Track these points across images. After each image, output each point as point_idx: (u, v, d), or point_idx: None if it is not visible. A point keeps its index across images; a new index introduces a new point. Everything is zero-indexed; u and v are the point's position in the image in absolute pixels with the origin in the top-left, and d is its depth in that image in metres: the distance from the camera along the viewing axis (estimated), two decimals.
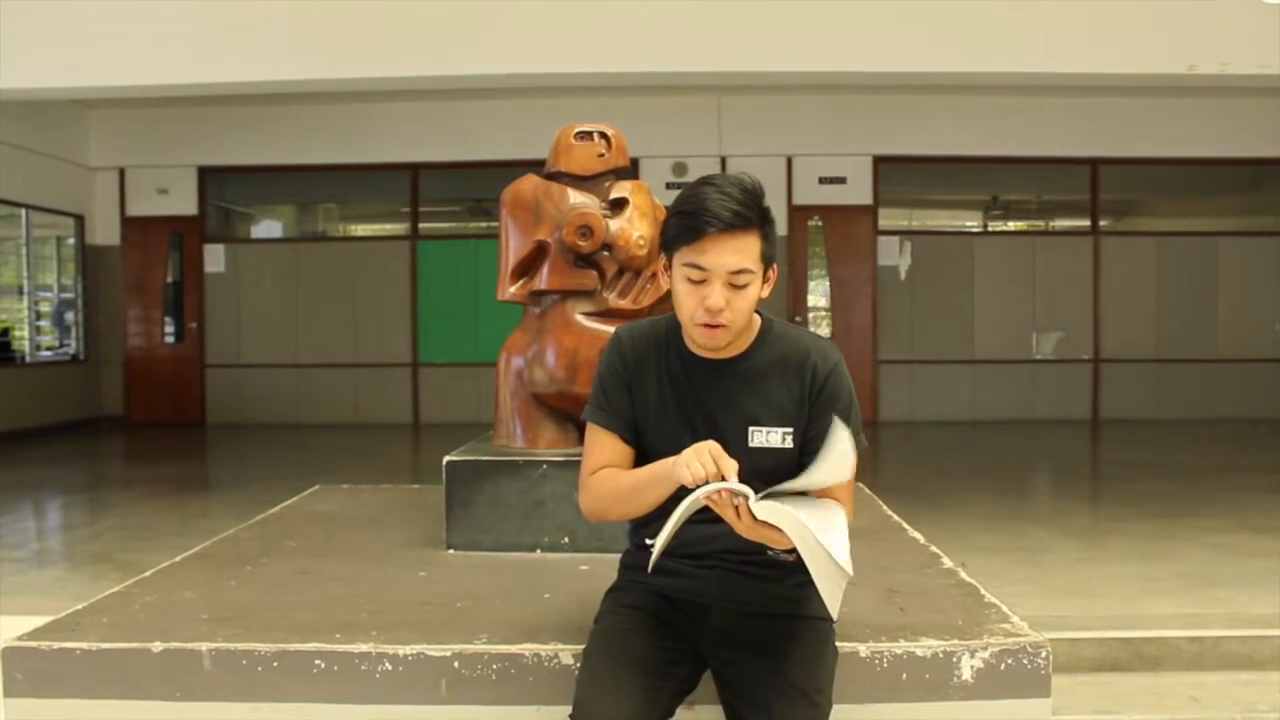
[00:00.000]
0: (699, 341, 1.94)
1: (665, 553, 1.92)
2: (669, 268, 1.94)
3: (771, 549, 1.84)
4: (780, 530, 1.74)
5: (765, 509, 1.73)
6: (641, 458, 2.01)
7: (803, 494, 1.83)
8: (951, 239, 11.80)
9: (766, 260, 1.91)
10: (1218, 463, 8.32)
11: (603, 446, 2.02)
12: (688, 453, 1.78)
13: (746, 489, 1.73)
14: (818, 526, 1.71)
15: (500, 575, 2.81)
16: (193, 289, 11.58)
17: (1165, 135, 10.80)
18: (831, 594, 1.75)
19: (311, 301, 11.49)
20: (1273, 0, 6.28)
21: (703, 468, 1.74)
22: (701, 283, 1.87)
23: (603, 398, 2.03)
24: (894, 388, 11.23)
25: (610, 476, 1.98)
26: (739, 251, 1.86)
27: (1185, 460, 8.47)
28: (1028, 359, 11.28)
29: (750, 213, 1.86)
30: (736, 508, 1.75)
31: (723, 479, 1.74)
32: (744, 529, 1.77)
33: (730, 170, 2.03)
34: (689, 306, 1.90)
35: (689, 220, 1.86)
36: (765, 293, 1.94)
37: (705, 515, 1.80)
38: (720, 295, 1.86)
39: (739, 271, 1.86)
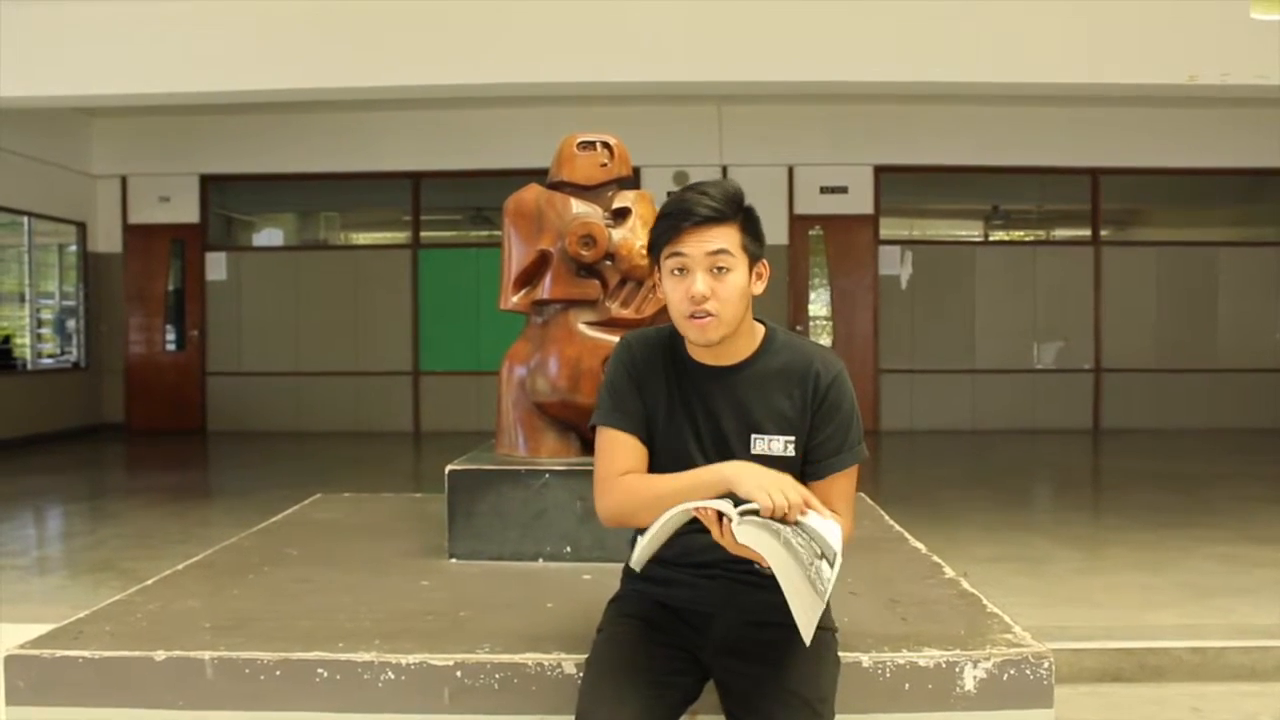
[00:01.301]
0: (690, 337, 1.96)
1: (667, 562, 1.92)
2: (659, 276, 1.97)
3: (758, 565, 1.84)
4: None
5: (745, 533, 1.73)
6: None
7: None
8: (952, 248, 11.81)
9: (750, 253, 1.93)
10: (1219, 473, 8.31)
11: (623, 448, 1.99)
12: (769, 480, 1.78)
13: (731, 511, 1.74)
14: (806, 551, 1.70)
15: (503, 584, 2.81)
16: (194, 297, 11.59)
17: (1166, 145, 10.83)
18: (806, 618, 1.73)
19: (313, 310, 11.50)
20: (1260, 16, 6.29)
21: (785, 497, 1.74)
22: (684, 273, 1.91)
23: (617, 401, 2.02)
24: (895, 397, 11.22)
25: (641, 481, 1.96)
26: (717, 238, 1.90)
27: (1186, 470, 8.46)
28: (1029, 368, 11.28)
29: (728, 208, 1.91)
30: (721, 525, 1.76)
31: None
32: (728, 545, 1.78)
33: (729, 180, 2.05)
34: (676, 301, 1.93)
35: (670, 220, 1.92)
36: (757, 289, 1.96)
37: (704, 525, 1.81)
38: (703, 283, 1.89)
39: (717, 252, 1.89)
